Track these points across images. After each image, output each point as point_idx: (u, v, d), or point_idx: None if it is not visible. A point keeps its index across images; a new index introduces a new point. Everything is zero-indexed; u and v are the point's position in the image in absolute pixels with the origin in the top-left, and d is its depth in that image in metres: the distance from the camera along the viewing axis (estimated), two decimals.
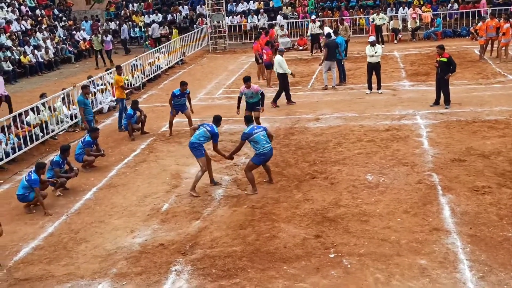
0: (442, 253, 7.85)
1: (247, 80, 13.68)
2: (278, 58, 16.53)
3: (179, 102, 14.61)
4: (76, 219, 10.09)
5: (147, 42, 30.16)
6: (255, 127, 10.58)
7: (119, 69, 16.51)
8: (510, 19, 20.64)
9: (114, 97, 18.74)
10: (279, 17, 30.62)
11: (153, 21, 31.94)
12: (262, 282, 7.48)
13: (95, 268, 8.25)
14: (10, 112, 16.13)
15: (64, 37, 30.84)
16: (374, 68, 17.01)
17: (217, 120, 11.05)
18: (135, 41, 33.45)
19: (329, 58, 18.06)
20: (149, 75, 22.31)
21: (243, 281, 7.54)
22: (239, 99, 13.93)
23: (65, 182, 11.40)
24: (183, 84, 14.68)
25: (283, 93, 16.72)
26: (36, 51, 26.26)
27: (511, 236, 8.15)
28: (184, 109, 14.76)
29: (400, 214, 9.14)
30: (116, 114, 17.54)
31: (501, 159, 11.08)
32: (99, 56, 27.04)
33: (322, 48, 16.73)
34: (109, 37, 27.53)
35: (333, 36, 18.82)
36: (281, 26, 28.56)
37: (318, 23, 25.42)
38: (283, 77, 16.55)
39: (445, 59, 14.74)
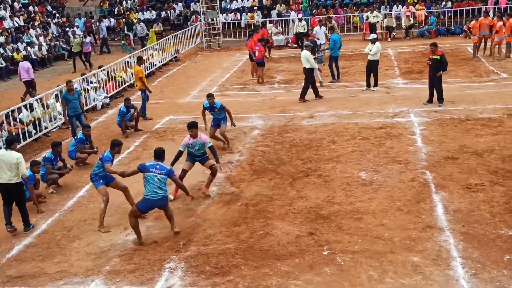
0: (435, 250, 7.88)
1: (192, 126, 10.46)
2: (305, 53, 16.46)
3: (216, 116, 13.00)
4: (69, 216, 10.06)
5: (123, 42, 29.89)
6: (158, 166, 8.85)
7: (140, 60, 16.90)
8: (503, 17, 20.70)
9: (107, 94, 18.72)
10: (273, 14, 30.67)
11: (139, 20, 31.13)
12: (256, 279, 7.48)
13: (88, 265, 8.23)
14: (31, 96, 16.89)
15: (58, 34, 30.71)
16: (370, 66, 17.04)
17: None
18: (128, 37, 33.25)
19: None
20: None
21: (237, 278, 7.54)
22: (179, 153, 10.51)
23: (58, 179, 11.36)
24: (209, 96, 13.01)
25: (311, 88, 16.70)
26: (29, 48, 26.12)
27: (504, 233, 8.19)
28: (219, 124, 12.96)
29: (393, 211, 9.16)
30: (110, 112, 17.54)
31: (494, 157, 11.13)
32: (82, 59, 25.24)
33: (304, 47, 16.70)
34: (89, 38, 26.27)
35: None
36: (275, 24, 28.56)
37: (303, 22, 26.02)
38: (309, 72, 16.51)
39: (438, 57, 14.78)
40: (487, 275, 7.21)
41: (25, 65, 19.71)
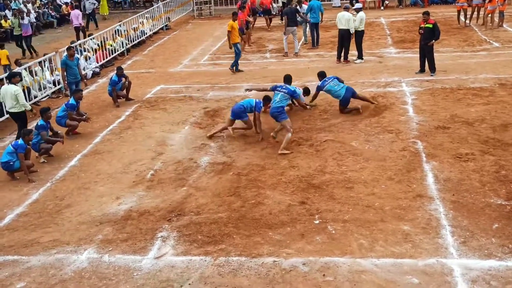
0: (425, 219, 7.96)
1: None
2: (346, 14, 16.57)
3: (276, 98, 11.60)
4: (61, 186, 10.05)
5: None
6: (284, 87, 11.52)
7: (235, 15, 17.28)
8: None
9: (98, 63, 18.52)
10: None
11: None
12: (248, 248, 7.55)
13: (80, 234, 8.26)
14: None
15: (46, 1, 30.20)
16: (356, 37, 16.82)
17: (288, 79, 12.42)
18: (118, 5, 32.87)
19: (289, 25, 18.28)
20: (133, 41, 22.00)
21: (229, 247, 7.60)
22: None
23: (51, 149, 11.28)
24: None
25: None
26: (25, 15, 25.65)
27: (493, 202, 8.28)
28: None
29: (384, 181, 9.22)
30: (100, 81, 17.40)
31: (485, 126, 11.17)
32: (21, 44, 22.08)
33: (344, 9, 16.88)
34: (27, 19, 22.03)
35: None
36: None
37: None
38: (347, 33, 16.58)
39: (431, 25, 14.67)
40: (476, 243, 7.30)
41: (76, 13, 23.66)
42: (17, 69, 14.88)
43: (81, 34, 23.47)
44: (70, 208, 9.15)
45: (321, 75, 13.08)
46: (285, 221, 8.15)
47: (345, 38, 16.66)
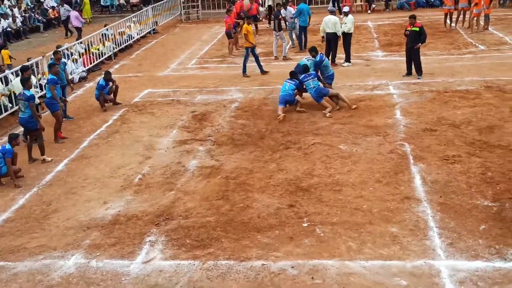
0: (413, 221, 7.99)
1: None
2: (333, 18, 16.66)
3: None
4: (48, 191, 9.97)
5: None
6: (291, 81, 13.29)
7: (249, 19, 17.47)
8: None
9: (84, 67, 18.42)
10: None
11: (63, 1, 27.84)
12: (236, 251, 7.53)
13: (67, 239, 8.20)
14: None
15: (32, 5, 30.02)
16: (343, 40, 16.94)
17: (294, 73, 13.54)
18: (105, 10, 32.76)
19: (274, 29, 18.60)
20: (120, 45, 21.92)
21: (217, 250, 7.58)
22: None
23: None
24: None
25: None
26: (2, 20, 25.51)
27: (480, 203, 8.34)
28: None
29: (372, 183, 9.25)
30: (87, 85, 17.33)
31: (471, 128, 11.25)
32: None
33: (330, 13, 17.07)
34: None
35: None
36: None
37: None
38: (334, 36, 16.75)
39: (417, 29, 14.77)
40: (463, 244, 7.35)
41: (74, 13, 24.61)
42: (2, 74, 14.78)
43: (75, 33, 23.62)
44: (57, 213, 9.08)
45: (313, 50, 14.20)
46: (273, 224, 8.15)
47: (332, 41, 16.74)
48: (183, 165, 10.54)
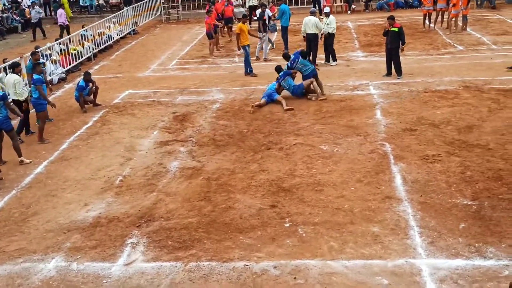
0: (394, 220, 8.05)
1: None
2: (313, 19, 16.74)
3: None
4: (27, 193, 9.85)
5: None
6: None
7: (244, 17, 17.76)
8: None
9: (64, 68, 18.23)
10: None
11: (34, 3, 27.83)
12: (218, 252, 7.52)
13: (48, 242, 8.10)
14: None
15: (10, 6, 29.63)
16: (326, 40, 17.08)
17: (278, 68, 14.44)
18: (84, 10, 32.47)
19: (262, 30, 18.67)
20: (100, 46, 21.73)
21: (199, 252, 7.56)
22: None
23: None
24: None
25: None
26: None
27: (459, 202, 8.43)
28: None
29: (353, 183, 9.30)
30: (67, 86, 17.16)
31: (450, 128, 11.38)
32: None
33: (311, 14, 17.15)
34: None
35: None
36: None
37: None
38: (315, 37, 16.87)
39: (396, 29, 14.90)
40: (443, 243, 7.42)
41: (60, 11, 24.74)
42: None
43: (65, 32, 23.57)
44: (36, 216, 8.97)
45: (285, 56, 14.87)
46: (255, 225, 8.15)
47: (312, 42, 16.82)
48: (165, 166, 10.50)
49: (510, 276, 6.52)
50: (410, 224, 7.93)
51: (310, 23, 16.71)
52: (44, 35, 25.80)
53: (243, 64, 17.04)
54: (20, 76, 12.95)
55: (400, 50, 15.00)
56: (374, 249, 7.38)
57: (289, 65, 14.36)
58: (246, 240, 7.78)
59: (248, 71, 16.72)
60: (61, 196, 9.60)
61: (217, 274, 7.07)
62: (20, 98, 12.48)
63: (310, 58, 17.00)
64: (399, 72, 15.23)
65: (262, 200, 8.91)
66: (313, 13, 17.25)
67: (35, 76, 12.25)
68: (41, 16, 26.97)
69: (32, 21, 26.49)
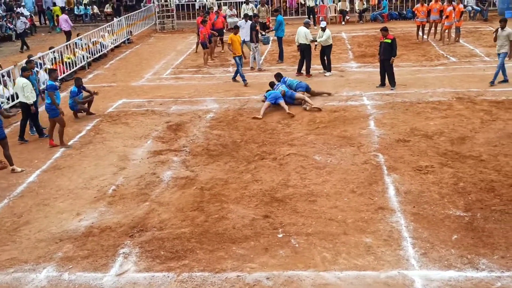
0: (387, 231, 8.06)
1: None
2: (303, 30, 16.96)
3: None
4: (19, 202, 9.80)
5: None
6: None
7: (236, 29, 17.80)
8: (453, 2, 21.16)
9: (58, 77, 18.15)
10: None
11: (20, 14, 28.37)
12: (211, 263, 7.49)
13: (39, 252, 8.05)
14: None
15: (4, 14, 29.61)
16: (323, 51, 17.19)
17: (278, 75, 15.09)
18: (79, 19, 32.51)
19: (250, 40, 18.69)
20: (94, 54, 21.71)
21: (192, 262, 7.53)
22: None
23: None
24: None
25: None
26: None
27: (452, 213, 8.45)
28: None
29: (346, 193, 9.31)
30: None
31: (443, 139, 11.42)
32: None
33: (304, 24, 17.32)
34: None
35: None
36: (230, 6, 28.35)
37: (250, 5, 25.55)
38: (307, 47, 17.02)
39: (389, 41, 15.00)
40: (436, 254, 7.43)
41: (64, 17, 25.11)
42: None
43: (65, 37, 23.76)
44: (28, 225, 8.92)
45: (278, 76, 15.19)
46: (248, 235, 8.13)
47: (305, 51, 16.93)
48: (158, 176, 10.47)
49: (502, 287, 6.53)
50: (403, 235, 7.94)
51: (301, 33, 16.90)
52: (28, 48, 25.38)
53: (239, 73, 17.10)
54: (28, 79, 13.08)
55: (391, 62, 15.09)
56: (367, 260, 7.38)
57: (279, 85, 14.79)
58: (239, 251, 7.76)
59: (242, 80, 16.81)
60: (53, 206, 9.55)
61: (209, 284, 7.04)
62: (28, 102, 12.70)
63: (304, 67, 17.14)
64: (392, 83, 15.30)
65: (255, 210, 8.90)
66: (306, 24, 17.37)
67: (48, 82, 12.38)
68: (26, 27, 27.01)
69: (17, 31, 26.42)
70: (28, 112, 12.83)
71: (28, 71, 13.20)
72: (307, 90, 14.75)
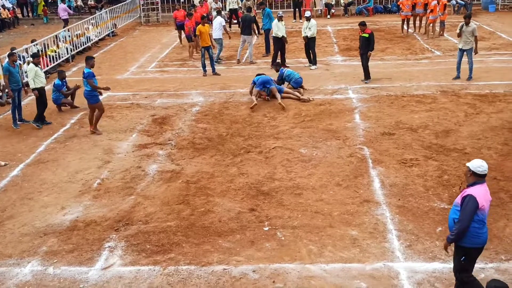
0: (372, 223, 8.11)
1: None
2: (275, 22, 17.33)
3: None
4: (2, 196, 9.69)
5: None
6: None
7: (204, 19, 17.59)
8: None
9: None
10: None
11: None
12: (197, 256, 7.49)
13: (23, 246, 7.99)
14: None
15: None
16: (308, 44, 17.23)
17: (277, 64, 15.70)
18: None
19: (243, 32, 18.57)
20: (78, 47, 21.50)
21: (178, 256, 7.52)
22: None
23: None
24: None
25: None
26: None
27: (436, 206, 8.52)
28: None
29: (332, 186, 9.34)
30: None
31: (428, 132, 11.50)
32: None
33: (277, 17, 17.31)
34: None
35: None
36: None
37: None
38: (278, 40, 17.34)
39: (367, 35, 15.07)
40: (420, 246, 7.49)
41: (62, 6, 26.57)
42: None
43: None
44: (12, 219, 8.83)
45: (277, 65, 15.72)
46: (234, 229, 8.14)
47: (276, 44, 17.37)
48: (143, 170, 10.42)
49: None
50: (388, 227, 7.99)
51: (275, 26, 17.34)
52: None
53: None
54: (39, 66, 13.63)
55: (368, 55, 15.17)
56: (353, 252, 7.42)
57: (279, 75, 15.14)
58: (225, 244, 7.76)
59: (203, 70, 17.14)
60: (37, 200, 9.47)
61: (195, 278, 7.04)
62: (41, 85, 13.30)
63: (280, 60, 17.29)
64: (367, 76, 15.41)
65: (241, 203, 8.90)
66: (278, 17, 17.41)
67: (85, 70, 12.31)
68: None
69: None
70: (40, 97, 13.22)
71: (36, 58, 13.64)
72: (300, 86, 14.80)
